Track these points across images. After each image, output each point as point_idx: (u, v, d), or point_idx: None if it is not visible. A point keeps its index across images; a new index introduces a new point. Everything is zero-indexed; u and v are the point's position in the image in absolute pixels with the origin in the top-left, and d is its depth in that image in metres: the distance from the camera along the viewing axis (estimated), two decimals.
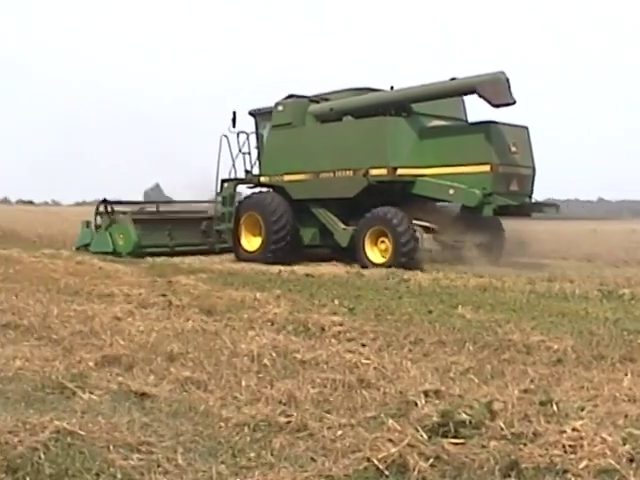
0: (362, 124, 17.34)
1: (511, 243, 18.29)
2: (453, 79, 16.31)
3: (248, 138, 20.10)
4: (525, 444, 3.96)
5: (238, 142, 20.00)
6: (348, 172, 16.97)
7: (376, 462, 3.67)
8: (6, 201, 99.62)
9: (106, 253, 18.84)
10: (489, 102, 15.54)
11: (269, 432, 4.26)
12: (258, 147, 19.99)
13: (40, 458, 3.58)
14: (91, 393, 5.02)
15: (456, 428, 4.14)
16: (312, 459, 3.85)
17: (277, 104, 18.88)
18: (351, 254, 16.95)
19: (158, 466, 3.66)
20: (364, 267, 15.64)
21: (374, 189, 16.58)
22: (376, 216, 16.14)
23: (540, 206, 17.48)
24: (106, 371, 5.67)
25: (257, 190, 19.50)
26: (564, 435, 3.95)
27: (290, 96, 19.03)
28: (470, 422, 4.24)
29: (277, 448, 3.99)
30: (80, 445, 3.82)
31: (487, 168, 15.37)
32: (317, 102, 18.57)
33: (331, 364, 5.98)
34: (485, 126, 15.84)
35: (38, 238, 22.91)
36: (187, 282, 11.40)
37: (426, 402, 4.74)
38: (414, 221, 15.72)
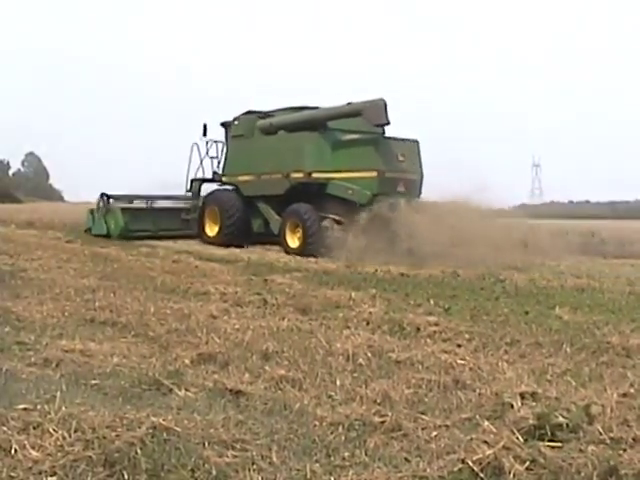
0: (289, 137, 21.14)
1: (611, 244, 21.23)
2: (349, 104, 19.60)
3: (215, 145, 23.83)
4: (624, 449, 3.88)
5: (207, 148, 23.74)
6: (279, 175, 20.73)
7: (471, 464, 3.64)
8: None
9: (102, 235, 22.87)
10: (370, 122, 19.03)
11: (363, 432, 4.26)
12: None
13: (137, 453, 3.64)
14: (187, 390, 5.08)
15: (553, 431, 4.09)
16: (406, 459, 3.84)
17: (234, 119, 22.87)
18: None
19: (253, 464, 3.69)
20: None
21: (297, 189, 20.21)
22: (292, 210, 19.73)
23: None
24: (202, 369, 5.73)
25: (218, 188, 23.31)
26: None
27: (248, 112, 22.69)
28: (567, 425, 4.17)
29: (371, 448, 4.00)
30: (176, 441, 3.88)
31: (374, 174, 18.60)
32: (264, 118, 22.20)
33: (426, 364, 5.96)
34: (375, 139, 19.40)
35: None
36: (282, 281, 11.47)
37: (522, 404, 4.68)
38: (329, 215, 18.77)
